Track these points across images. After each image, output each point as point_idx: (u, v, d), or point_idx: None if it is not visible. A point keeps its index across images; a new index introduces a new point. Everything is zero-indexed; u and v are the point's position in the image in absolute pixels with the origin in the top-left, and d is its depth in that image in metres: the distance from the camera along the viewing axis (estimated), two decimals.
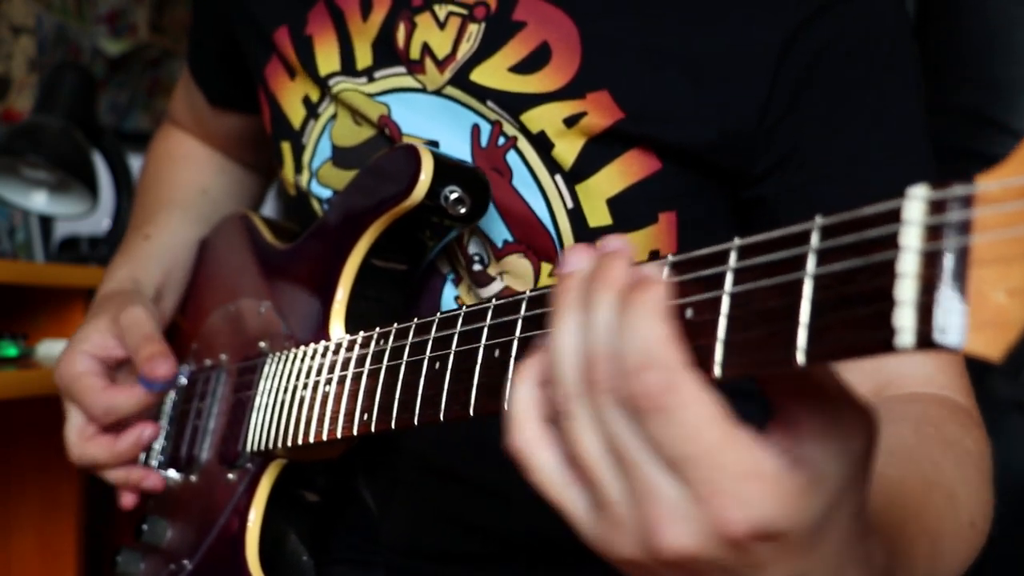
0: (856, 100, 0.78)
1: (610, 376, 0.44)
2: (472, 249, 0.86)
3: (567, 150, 0.80)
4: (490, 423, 0.86)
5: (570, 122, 0.79)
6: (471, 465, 0.88)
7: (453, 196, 0.80)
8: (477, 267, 0.86)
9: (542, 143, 0.81)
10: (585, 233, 0.81)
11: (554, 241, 0.83)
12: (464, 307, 0.63)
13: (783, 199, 0.79)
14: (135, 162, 2.10)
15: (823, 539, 0.43)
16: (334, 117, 0.92)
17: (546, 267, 0.84)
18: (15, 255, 2.28)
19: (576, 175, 0.81)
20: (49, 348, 1.97)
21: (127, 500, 0.98)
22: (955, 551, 0.60)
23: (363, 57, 0.89)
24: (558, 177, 0.81)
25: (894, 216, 0.37)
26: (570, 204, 0.81)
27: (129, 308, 0.98)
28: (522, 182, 0.83)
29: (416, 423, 0.65)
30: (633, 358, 0.42)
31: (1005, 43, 0.93)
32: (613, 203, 0.81)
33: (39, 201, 2.14)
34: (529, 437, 0.48)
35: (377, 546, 0.94)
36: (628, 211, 0.81)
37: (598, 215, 0.81)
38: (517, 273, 0.85)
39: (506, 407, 0.49)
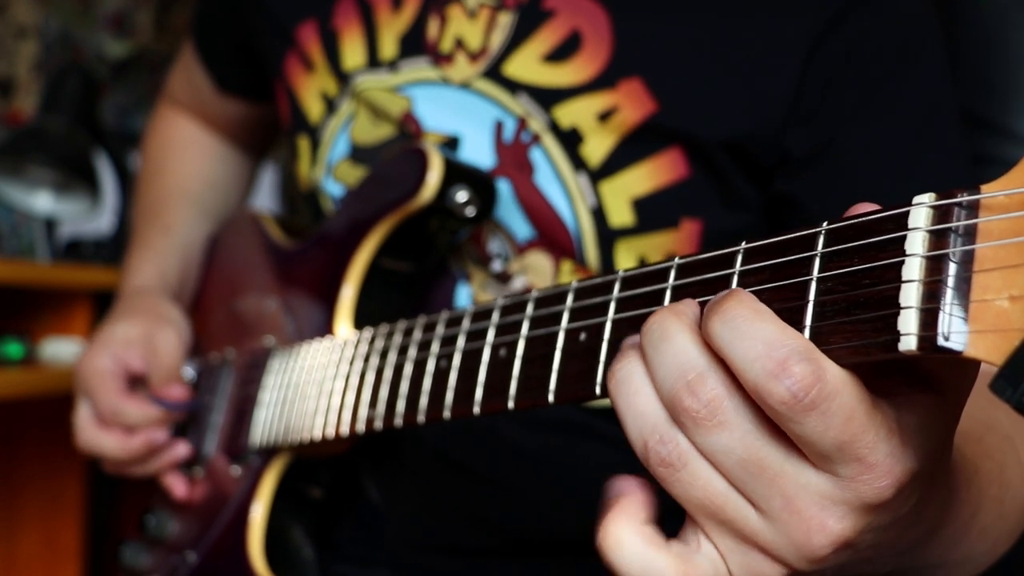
0: (889, 93, 0.78)
1: (707, 401, 0.41)
2: (493, 247, 0.86)
3: (598, 146, 0.80)
4: (501, 417, 0.87)
5: (604, 117, 0.80)
6: (480, 457, 0.89)
7: (461, 198, 0.81)
8: (498, 265, 0.86)
9: (571, 139, 0.81)
10: (606, 232, 0.82)
11: (574, 239, 0.83)
12: (471, 307, 0.64)
13: (816, 195, 0.79)
14: (138, 164, 2.11)
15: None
16: (354, 114, 0.93)
17: (565, 264, 0.84)
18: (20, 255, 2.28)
19: (603, 172, 0.81)
20: (54, 348, 1.98)
21: (178, 489, 0.97)
22: (1016, 497, 0.58)
23: (388, 48, 0.90)
24: (582, 175, 0.82)
25: (900, 222, 0.38)
26: (593, 203, 0.82)
27: (164, 332, 1.00)
28: (545, 179, 0.83)
29: (422, 420, 0.65)
30: (759, 364, 0.39)
31: (1003, 45, 0.93)
32: (638, 203, 0.81)
33: (43, 202, 2.15)
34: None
35: (382, 541, 0.95)
36: (652, 212, 0.81)
37: (621, 215, 0.81)
38: (537, 270, 0.85)
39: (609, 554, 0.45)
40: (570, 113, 0.81)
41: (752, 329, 0.40)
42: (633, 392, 0.44)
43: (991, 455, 0.56)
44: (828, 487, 0.41)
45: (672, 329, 0.43)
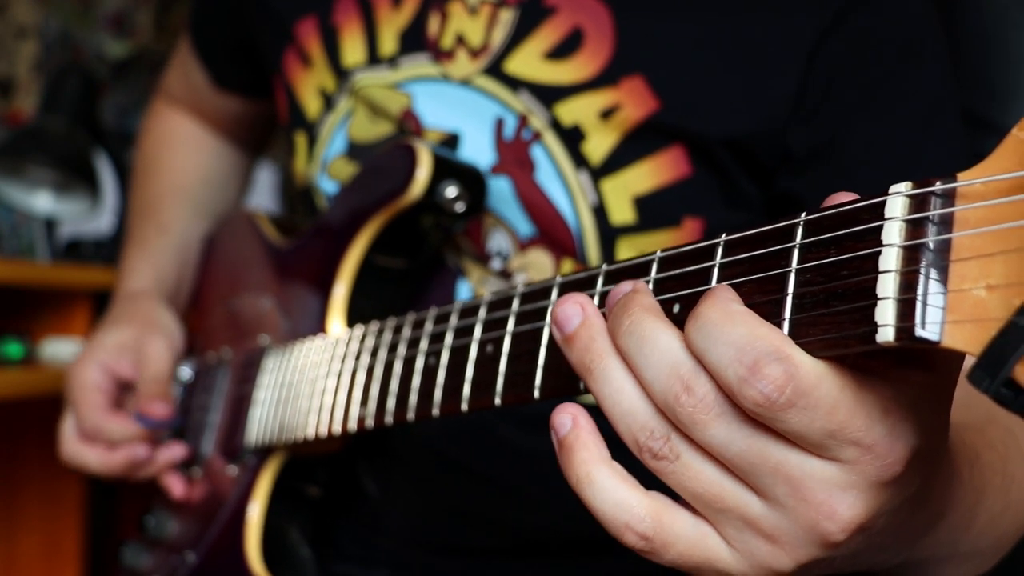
0: (890, 92, 0.78)
1: (703, 396, 0.41)
2: (493, 244, 0.86)
3: (600, 143, 0.80)
4: (499, 416, 0.87)
5: (606, 115, 0.80)
6: (479, 456, 0.88)
7: (451, 194, 0.80)
8: (497, 262, 0.86)
9: (573, 136, 0.81)
10: (607, 229, 0.82)
11: (575, 237, 0.83)
12: (458, 303, 0.63)
13: (817, 194, 0.78)
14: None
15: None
16: (352, 111, 0.93)
17: (565, 263, 0.84)
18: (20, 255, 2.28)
19: (604, 170, 0.81)
20: (54, 348, 1.98)
21: (176, 488, 0.98)
22: (1021, 490, 0.58)
23: (388, 44, 0.90)
24: (583, 172, 0.81)
25: (877, 211, 0.37)
26: (594, 200, 0.81)
27: (154, 339, 1.00)
28: (546, 177, 0.83)
29: (412, 418, 0.65)
30: (731, 370, 0.39)
31: (1003, 45, 0.92)
32: (640, 202, 0.81)
33: (43, 202, 2.15)
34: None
35: (382, 540, 0.94)
36: (654, 211, 0.81)
37: (622, 213, 0.81)
38: (538, 268, 0.85)
39: (595, 509, 0.45)
40: (572, 110, 0.80)
41: (722, 334, 0.40)
42: (616, 391, 0.44)
43: (993, 446, 0.56)
44: (834, 473, 0.40)
45: (651, 330, 0.43)
